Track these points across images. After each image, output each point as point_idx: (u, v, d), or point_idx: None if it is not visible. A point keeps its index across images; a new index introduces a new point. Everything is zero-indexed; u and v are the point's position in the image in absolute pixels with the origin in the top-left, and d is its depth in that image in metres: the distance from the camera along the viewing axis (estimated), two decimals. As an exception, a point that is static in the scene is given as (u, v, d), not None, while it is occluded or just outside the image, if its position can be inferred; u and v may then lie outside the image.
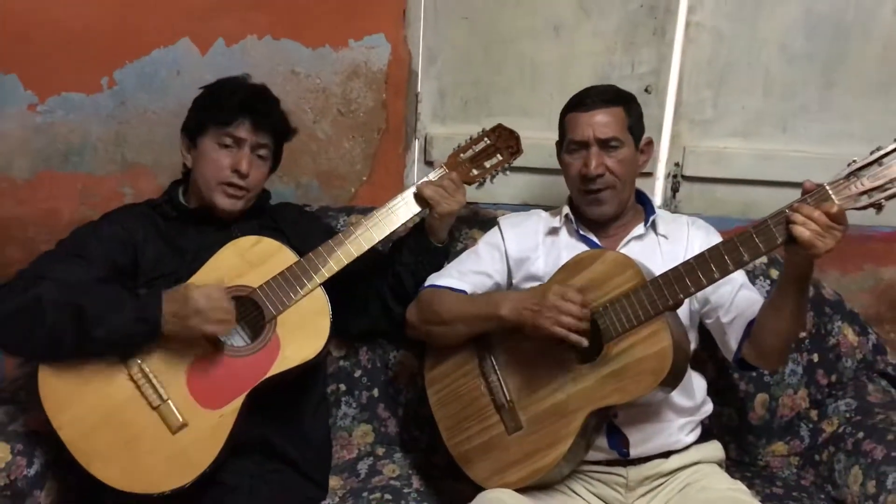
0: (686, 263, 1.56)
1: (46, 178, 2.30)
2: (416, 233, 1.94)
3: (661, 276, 1.58)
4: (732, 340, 1.72)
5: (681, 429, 1.75)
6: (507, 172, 1.95)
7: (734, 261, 1.51)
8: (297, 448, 1.81)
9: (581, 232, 1.83)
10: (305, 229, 1.94)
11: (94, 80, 2.25)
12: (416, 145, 2.36)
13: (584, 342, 1.58)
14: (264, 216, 1.93)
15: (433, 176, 1.89)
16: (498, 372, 1.73)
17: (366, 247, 1.82)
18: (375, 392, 2.09)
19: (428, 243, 1.91)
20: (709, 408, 1.83)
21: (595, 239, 1.83)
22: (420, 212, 1.88)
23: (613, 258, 1.65)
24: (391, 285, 1.91)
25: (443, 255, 1.94)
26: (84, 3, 2.20)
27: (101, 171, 2.31)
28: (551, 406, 1.65)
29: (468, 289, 1.81)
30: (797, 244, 1.45)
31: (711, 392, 1.86)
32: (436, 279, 1.84)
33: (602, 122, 1.77)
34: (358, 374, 2.08)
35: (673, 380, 1.59)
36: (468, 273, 1.84)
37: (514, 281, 1.87)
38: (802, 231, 1.43)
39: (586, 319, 1.59)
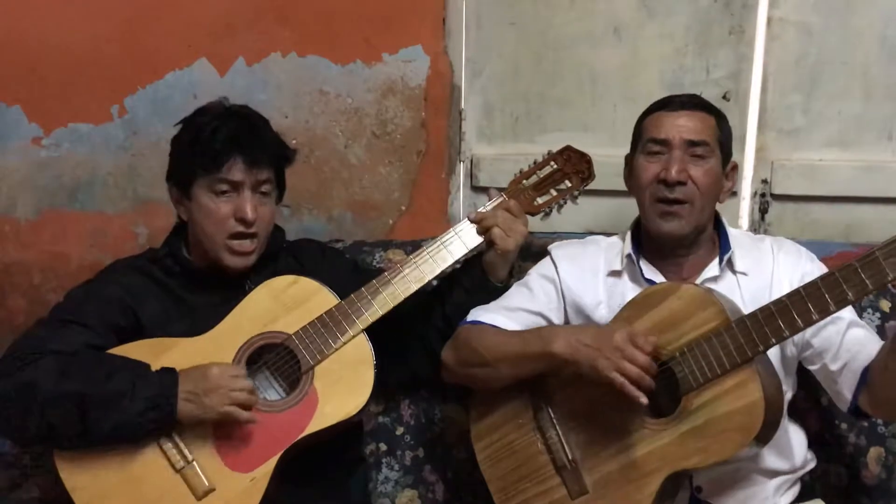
0: (778, 302, 1.52)
1: (52, 217, 2.37)
2: (471, 270, 1.92)
3: (749, 315, 1.55)
4: (846, 391, 1.67)
5: (776, 490, 1.73)
6: (577, 201, 1.94)
7: (836, 299, 1.48)
8: (332, 517, 1.83)
9: (647, 276, 1.79)
10: (330, 267, 1.95)
11: (104, 108, 2.32)
12: (461, 169, 2.38)
13: (643, 399, 1.56)
14: (281, 258, 1.93)
15: (489, 206, 1.90)
16: (557, 426, 1.73)
17: (415, 287, 1.83)
18: (421, 452, 2.09)
19: (487, 282, 1.89)
20: (811, 464, 1.81)
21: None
22: (476, 246, 1.89)
23: (692, 293, 1.62)
24: (439, 328, 1.91)
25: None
26: (91, 25, 2.28)
27: (112, 209, 2.37)
28: (622, 467, 1.64)
29: (519, 328, 1.79)
30: None
31: (814, 445, 1.83)
32: (479, 314, 1.82)
33: (690, 125, 1.74)
34: (400, 431, 2.09)
35: (765, 435, 1.57)
36: (517, 310, 1.82)
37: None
38: None
39: (653, 373, 1.58)
